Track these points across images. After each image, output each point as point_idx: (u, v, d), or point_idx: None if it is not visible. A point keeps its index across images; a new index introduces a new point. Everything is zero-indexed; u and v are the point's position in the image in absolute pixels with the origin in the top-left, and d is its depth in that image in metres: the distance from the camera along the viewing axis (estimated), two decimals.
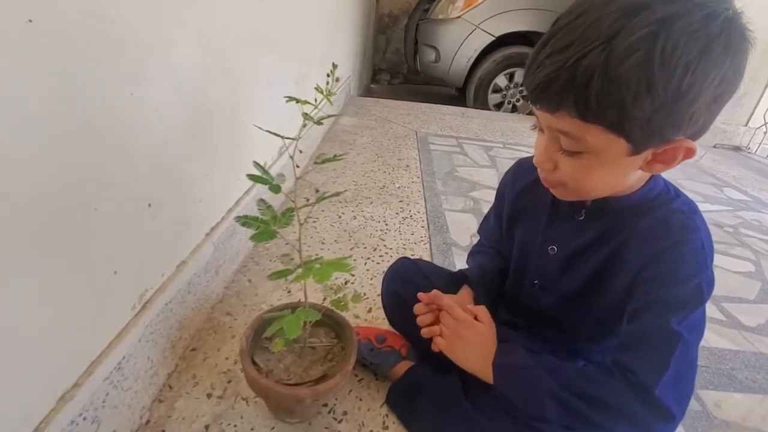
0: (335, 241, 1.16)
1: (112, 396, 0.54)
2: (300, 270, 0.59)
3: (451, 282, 0.72)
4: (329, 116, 0.70)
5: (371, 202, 1.41)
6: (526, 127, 2.70)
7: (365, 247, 1.15)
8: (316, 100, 0.72)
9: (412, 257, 0.81)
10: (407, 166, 1.78)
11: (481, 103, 3.17)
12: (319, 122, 0.68)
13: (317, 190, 0.63)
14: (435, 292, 0.65)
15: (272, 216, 0.60)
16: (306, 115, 0.69)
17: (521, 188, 0.66)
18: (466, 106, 3.16)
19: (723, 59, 0.39)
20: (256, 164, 0.62)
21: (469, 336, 0.59)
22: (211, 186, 0.81)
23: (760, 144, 2.84)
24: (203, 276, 0.79)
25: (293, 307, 0.64)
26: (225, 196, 0.90)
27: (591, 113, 0.40)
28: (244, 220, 0.58)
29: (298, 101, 0.66)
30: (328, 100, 0.72)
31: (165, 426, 0.62)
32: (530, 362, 0.52)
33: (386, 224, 1.28)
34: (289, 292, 0.93)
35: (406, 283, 0.73)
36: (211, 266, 0.81)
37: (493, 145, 2.23)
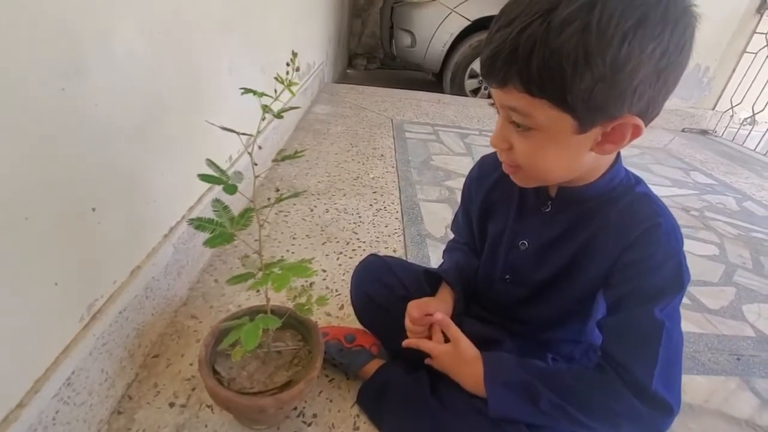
0: (307, 235, 1.13)
1: (63, 413, 0.51)
2: (260, 273, 0.57)
3: (425, 281, 0.71)
4: (290, 108, 0.67)
5: (344, 194, 1.38)
6: None
7: (338, 242, 1.12)
8: (276, 91, 0.68)
9: (382, 253, 0.80)
10: (382, 155, 1.75)
11: (458, 89, 3.14)
12: (279, 115, 0.65)
13: (277, 189, 0.60)
14: (422, 310, 0.63)
15: (229, 218, 0.57)
16: (265, 108, 0.66)
17: (488, 185, 0.65)
18: (443, 92, 3.13)
19: (662, 30, 0.38)
20: (210, 162, 0.58)
21: (441, 366, 0.60)
22: (167, 184, 0.76)
23: (726, 127, 2.92)
24: (163, 279, 0.75)
25: (255, 312, 0.62)
26: (184, 193, 0.85)
27: (535, 86, 0.41)
28: (198, 223, 0.55)
29: (254, 93, 0.62)
30: (290, 90, 0.68)
31: None
32: (523, 376, 0.52)
33: (359, 217, 1.25)
34: (258, 291, 0.90)
35: (376, 283, 0.71)
36: (171, 268, 0.78)
37: (469, 132, 2.22)
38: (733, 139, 2.84)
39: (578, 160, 0.48)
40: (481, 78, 3.13)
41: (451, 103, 2.79)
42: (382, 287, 0.69)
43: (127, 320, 0.64)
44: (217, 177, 0.55)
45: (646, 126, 0.44)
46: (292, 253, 1.05)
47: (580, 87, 0.39)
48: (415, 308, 0.63)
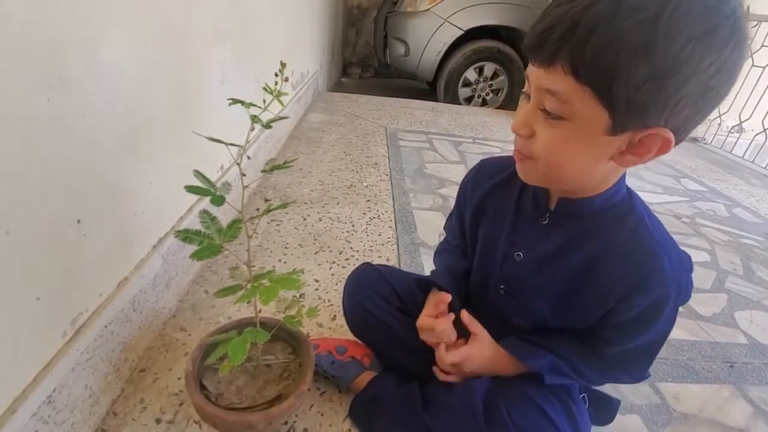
0: (299, 245, 1.12)
1: None
2: (249, 285, 0.56)
3: (418, 289, 0.70)
4: (280, 118, 0.66)
5: (338, 203, 1.37)
6: (495, 121, 2.72)
7: (331, 251, 1.11)
8: (265, 102, 0.68)
9: (376, 262, 0.79)
10: (376, 163, 1.75)
11: (452, 97, 3.17)
12: (267, 126, 0.65)
13: (267, 200, 0.59)
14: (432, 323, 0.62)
15: (217, 229, 0.56)
16: (254, 118, 0.65)
17: (484, 190, 0.64)
18: (437, 101, 3.15)
19: (724, 46, 0.37)
20: (197, 173, 0.57)
21: (474, 366, 0.60)
22: (155, 195, 0.75)
23: (714, 135, 2.96)
24: (151, 291, 0.73)
25: (244, 325, 0.61)
26: (174, 204, 0.84)
27: (584, 70, 0.39)
28: (185, 235, 0.54)
29: (242, 103, 0.62)
30: (279, 101, 0.68)
31: None
32: (556, 362, 0.57)
33: (353, 225, 1.25)
34: (248, 302, 0.89)
35: (369, 292, 0.70)
36: (160, 280, 0.76)
37: (462, 140, 2.23)
38: (722, 146, 2.88)
39: (596, 165, 0.47)
40: (474, 87, 3.18)
41: (445, 112, 2.80)
42: (375, 296, 0.68)
43: (113, 334, 0.63)
44: (204, 188, 0.54)
45: (675, 145, 0.43)
46: (285, 263, 1.04)
47: (630, 80, 0.38)
48: (432, 306, 0.63)
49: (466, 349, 0.60)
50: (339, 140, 1.97)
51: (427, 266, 1.11)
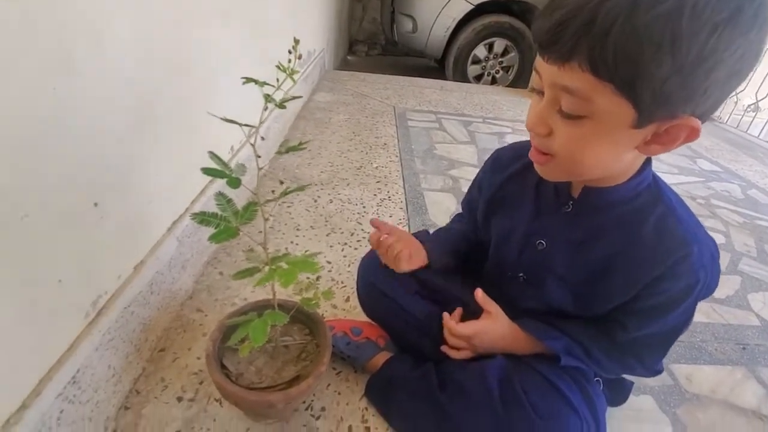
0: (311, 227, 1.12)
1: (68, 412, 0.51)
2: (266, 268, 0.56)
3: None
4: (293, 98, 0.65)
5: (348, 184, 1.36)
6: (506, 100, 2.66)
7: (342, 233, 1.11)
8: (278, 81, 0.66)
9: None
10: (385, 144, 1.72)
11: (461, 75, 3.09)
12: (281, 105, 0.63)
13: (282, 182, 0.59)
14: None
15: (233, 212, 0.55)
16: (267, 97, 0.64)
17: (501, 180, 0.63)
18: (446, 79, 3.08)
19: (750, 29, 0.36)
20: (212, 155, 0.56)
21: (485, 342, 0.60)
22: (169, 176, 0.75)
23: (730, 114, 2.88)
24: (167, 273, 0.74)
25: (262, 307, 0.61)
26: (187, 185, 0.84)
27: (604, 66, 0.37)
28: (202, 218, 0.54)
29: (256, 82, 0.60)
30: (291, 78, 0.66)
31: None
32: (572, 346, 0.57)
33: (364, 207, 1.24)
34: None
35: (382, 274, 0.70)
36: (175, 262, 0.77)
37: (472, 120, 2.19)
38: (738, 125, 2.80)
39: (621, 158, 0.45)
40: (484, 64, 3.10)
41: (454, 90, 2.74)
42: (389, 278, 0.68)
43: (133, 315, 0.64)
44: (219, 170, 0.54)
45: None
46: (296, 244, 1.04)
47: (656, 75, 0.36)
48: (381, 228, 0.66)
49: (480, 324, 0.60)
50: (347, 120, 1.94)
51: None
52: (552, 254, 0.56)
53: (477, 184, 0.69)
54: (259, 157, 0.59)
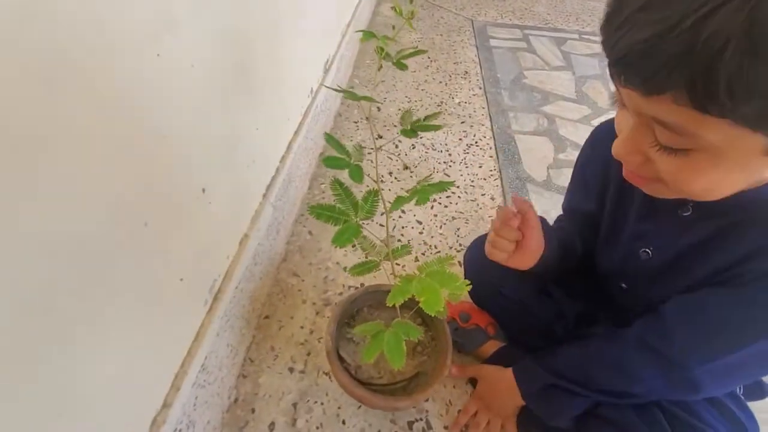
0: (395, 177, 1.03)
1: (201, 396, 0.52)
2: (385, 250, 0.50)
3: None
4: (413, 52, 0.53)
5: None
6: None
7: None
8: (394, 28, 0.54)
9: (479, 201, 0.71)
10: (466, 72, 1.51)
11: None
12: (400, 64, 0.52)
13: (407, 167, 0.50)
14: None
15: (352, 203, 0.48)
16: (380, 51, 0.53)
17: (602, 162, 0.52)
18: None
19: None
20: (329, 137, 0.48)
21: (493, 403, 0.58)
22: (262, 139, 0.67)
23: None
24: (266, 242, 0.71)
25: (376, 294, 0.57)
26: (276, 144, 0.77)
27: (714, 103, 0.27)
28: (319, 212, 0.47)
29: (375, 36, 0.50)
30: (409, 24, 0.54)
31: (254, 404, 0.62)
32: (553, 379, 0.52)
33: (449, 154, 1.12)
34: (354, 247, 0.85)
35: (501, 270, 0.63)
36: (272, 229, 0.73)
37: (566, 36, 1.85)
38: None
39: (753, 177, 0.34)
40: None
41: None
42: (509, 276, 0.61)
43: (242, 292, 0.63)
44: (341, 159, 0.46)
45: None
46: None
47: None
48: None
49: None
50: (420, 41, 1.70)
51: (536, 207, 0.99)
52: (658, 267, 0.47)
53: (579, 174, 0.59)
54: (380, 137, 0.50)
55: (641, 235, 0.49)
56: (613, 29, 0.30)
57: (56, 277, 0.29)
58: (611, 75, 0.33)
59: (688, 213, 0.44)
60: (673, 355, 0.44)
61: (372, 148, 0.51)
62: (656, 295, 0.48)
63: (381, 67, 0.52)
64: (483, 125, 1.25)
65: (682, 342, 0.44)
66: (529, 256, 0.53)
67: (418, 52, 0.51)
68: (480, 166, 1.10)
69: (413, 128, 0.49)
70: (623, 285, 0.53)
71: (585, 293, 0.64)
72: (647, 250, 0.48)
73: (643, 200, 0.48)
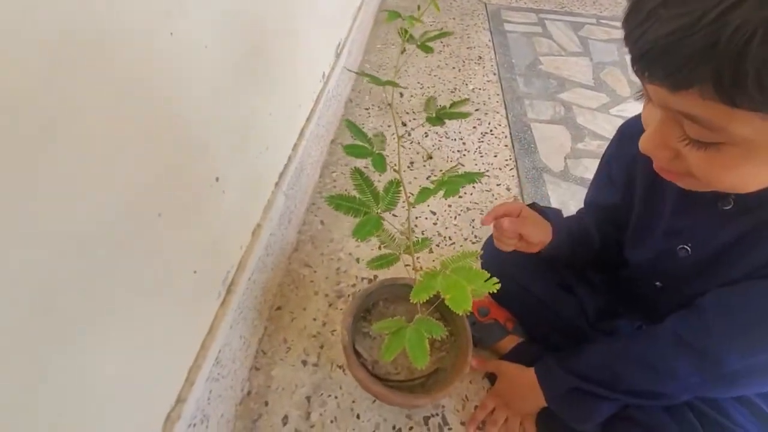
0: (409, 165, 1.00)
1: (215, 390, 0.51)
2: (406, 242, 0.48)
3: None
4: (439, 35, 0.50)
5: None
6: None
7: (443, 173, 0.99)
8: (419, 8, 0.52)
9: (495, 191, 0.70)
10: (479, 57, 1.47)
11: None
12: (425, 47, 0.49)
13: (430, 156, 0.47)
14: None
15: (373, 194, 0.46)
16: (404, 33, 0.50)
17: (629, 159, 0.50)
18: None
19: None
20: (350, 123, 0.45)
21: (513, 402, 0.57)
22: (275, 125, 0.65)
23: None
24: (278, 232, 0.69)
25: (392, 287, 0.55)
26: (289, 130, 0.74)
27: (743, 95, 0.26)
28: (339, 202, 0.45)
29: (401, 17, 0.47)
30: (435, 5, 0.52)
31: (267, 397, 0.61)
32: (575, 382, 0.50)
33: (464, 143, 1.09)
34: (367, 240, 0.84)
35: (524, 266, 0.62)
36: (284, 218, 0.72)
37: (584, 21, 1.79)
38: None
39: None
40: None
41: None
42: (533, 271, 0.59)
43: (255, 283, 0.61)
44: (363, 147, 0.43)
45: None
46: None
47: None
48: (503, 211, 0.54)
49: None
50: (432, 25, 1.65)
51: (553, 198, 0.97)
52: (697, 264, 0.45)
53: (605, 170, 0.56)
54: (405, 125, 0.47)
55: (678, 232, 0.46)
56: (635, 25, 0.29)
57: (63, 274, 0.28)
58: (635, 71, 0.31)
59: (730, 206, 0.41)
60: (711, 349, 0.42)
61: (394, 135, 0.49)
62: (693, 291, 0.45)
63: (404, 50, 0.49)
64: (498, 113, 1.21)
65: (721, 335, 0.42)
66: (534, 248, 0.54)
67: (443, 34, 0.49)
68: (495, 156, 1.07)
69: (438, 116, 0.46)
70: (657, 283, 0.51)
71: (606, 288, 0.62)
72: (686, 246, 0.46)
73: (679, 195, 0.45)
